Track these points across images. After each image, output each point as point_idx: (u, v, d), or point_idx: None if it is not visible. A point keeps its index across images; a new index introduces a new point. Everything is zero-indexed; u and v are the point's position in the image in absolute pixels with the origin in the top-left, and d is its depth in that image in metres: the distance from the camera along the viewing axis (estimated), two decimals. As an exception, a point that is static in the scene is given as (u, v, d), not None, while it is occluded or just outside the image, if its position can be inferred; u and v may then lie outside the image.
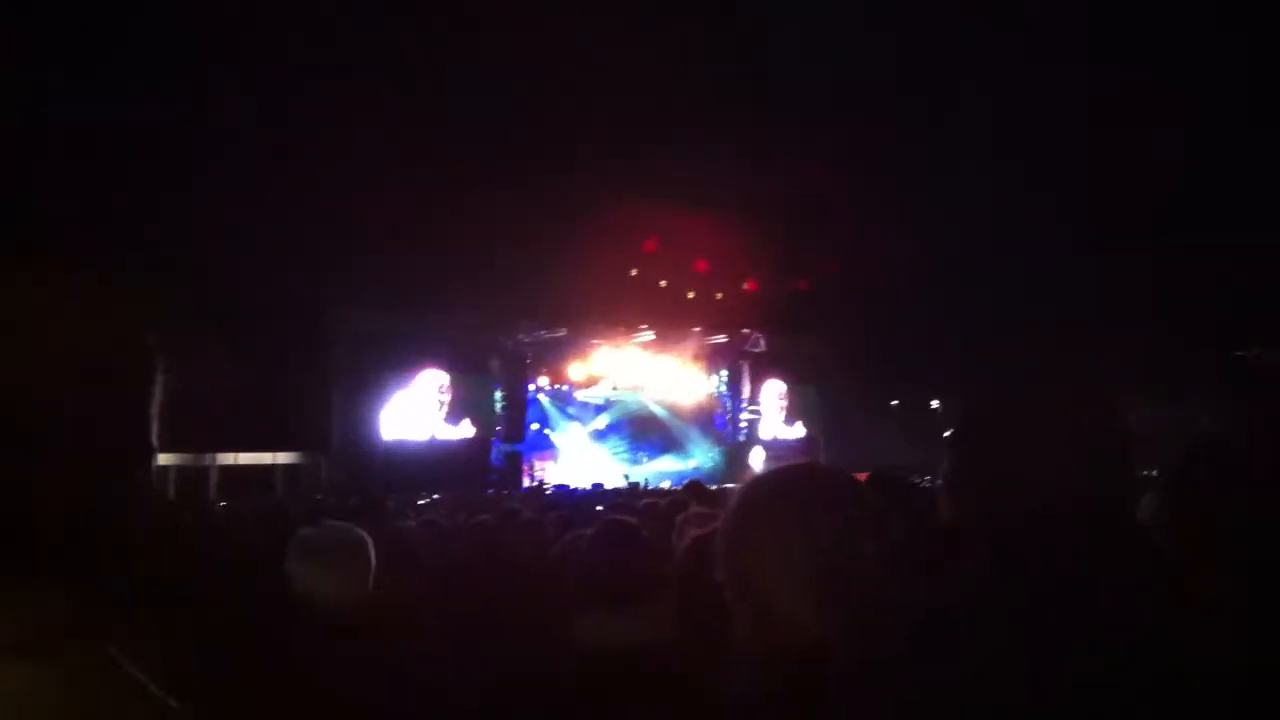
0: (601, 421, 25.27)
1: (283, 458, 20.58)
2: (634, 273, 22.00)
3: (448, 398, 22.86)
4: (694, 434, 25.80)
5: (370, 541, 2.68)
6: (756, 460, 24.14)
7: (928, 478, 9.72)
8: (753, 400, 26.31)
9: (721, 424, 26.05)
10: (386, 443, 21.76)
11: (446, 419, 22.71)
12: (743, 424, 26.00)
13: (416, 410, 22.44)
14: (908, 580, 1.32)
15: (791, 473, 1.47)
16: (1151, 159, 16.72)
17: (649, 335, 24.88)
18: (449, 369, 22.80)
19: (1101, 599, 1.18)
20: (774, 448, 25.25)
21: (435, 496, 11.13)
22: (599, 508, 6.58)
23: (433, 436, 22.38)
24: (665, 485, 19.48)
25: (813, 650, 1.25)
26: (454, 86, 16.87)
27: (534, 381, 24.28)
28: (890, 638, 1.20)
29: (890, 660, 1.17)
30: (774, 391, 26.75)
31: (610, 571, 1.82)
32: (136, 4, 13.68)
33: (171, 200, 14.81)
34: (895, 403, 22.61)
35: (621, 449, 25.13)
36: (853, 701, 1.16)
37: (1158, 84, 16.10)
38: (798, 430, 26.82)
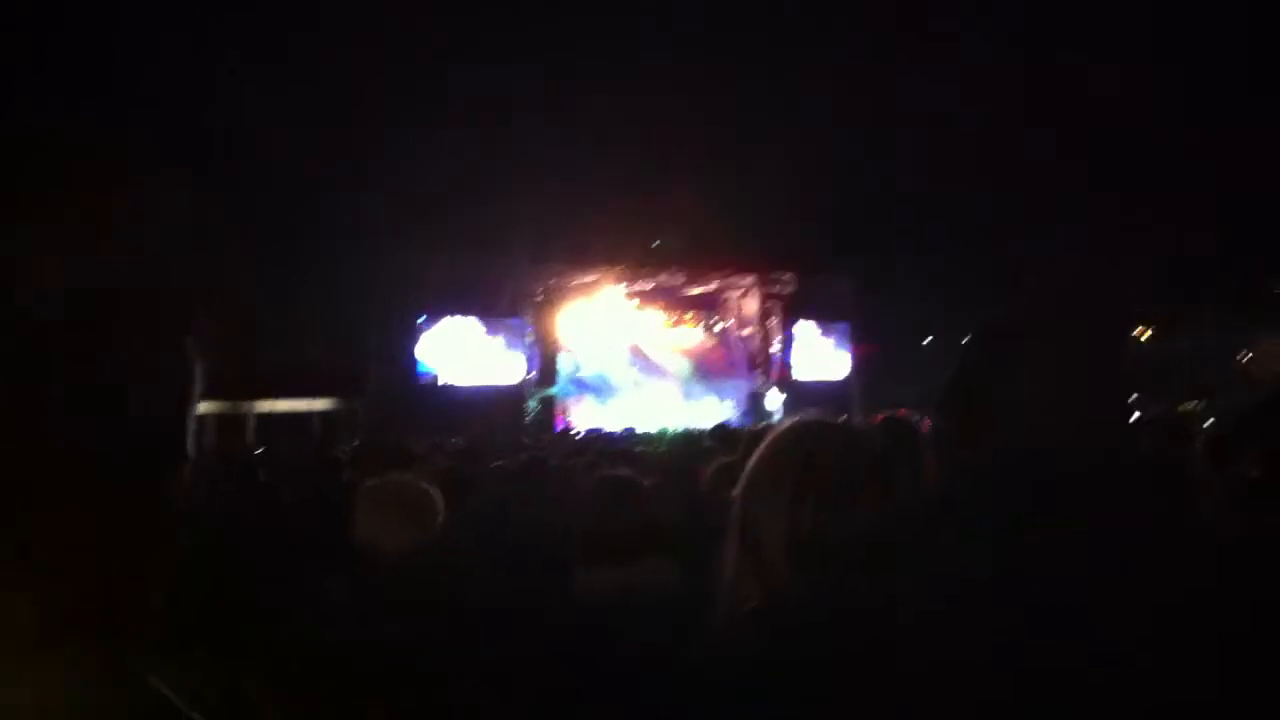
0: (633, 366, 25.33)
1: (319, 404, 20.88)
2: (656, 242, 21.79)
3: (480, 342, 23.06)
4: (726, 376, 25.82)
5: (435, 490, 2.81)
6: (775, 402, 24.16)
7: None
8: (784, 341, 26.18)
9: (753, 366, 25.99)
10: (420, 388, 22.01)
11: (479, 363, 22.91)
12: (774, 366, 25.91)
13: (449, 355, 22.65)
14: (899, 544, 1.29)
15: (789, 431, 1.50)
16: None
17: (679, 278, 24.80)
18: (480, 313, 22.93)
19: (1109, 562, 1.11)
20: (806, 389, 25.18)
21: (455, 440, 11.22)
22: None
23: (466, 381, 22.61)
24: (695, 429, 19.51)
25: (791, 603, 1.28)
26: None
27: (563, 326, 24.32)
28: (868, 600, 1.19)
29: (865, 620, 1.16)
30: (805, 332, 26.60)
31: (609, 526, 1.87)
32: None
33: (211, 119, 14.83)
34: (927, 340, 22.42)
35: (656, 392, 25.20)
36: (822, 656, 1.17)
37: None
38: (830, 371, 26.71)
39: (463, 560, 2.69)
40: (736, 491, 1.49)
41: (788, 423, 1.57)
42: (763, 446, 1.51)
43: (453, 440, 11.23)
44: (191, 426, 0.79)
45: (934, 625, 1.13)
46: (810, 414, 1.60)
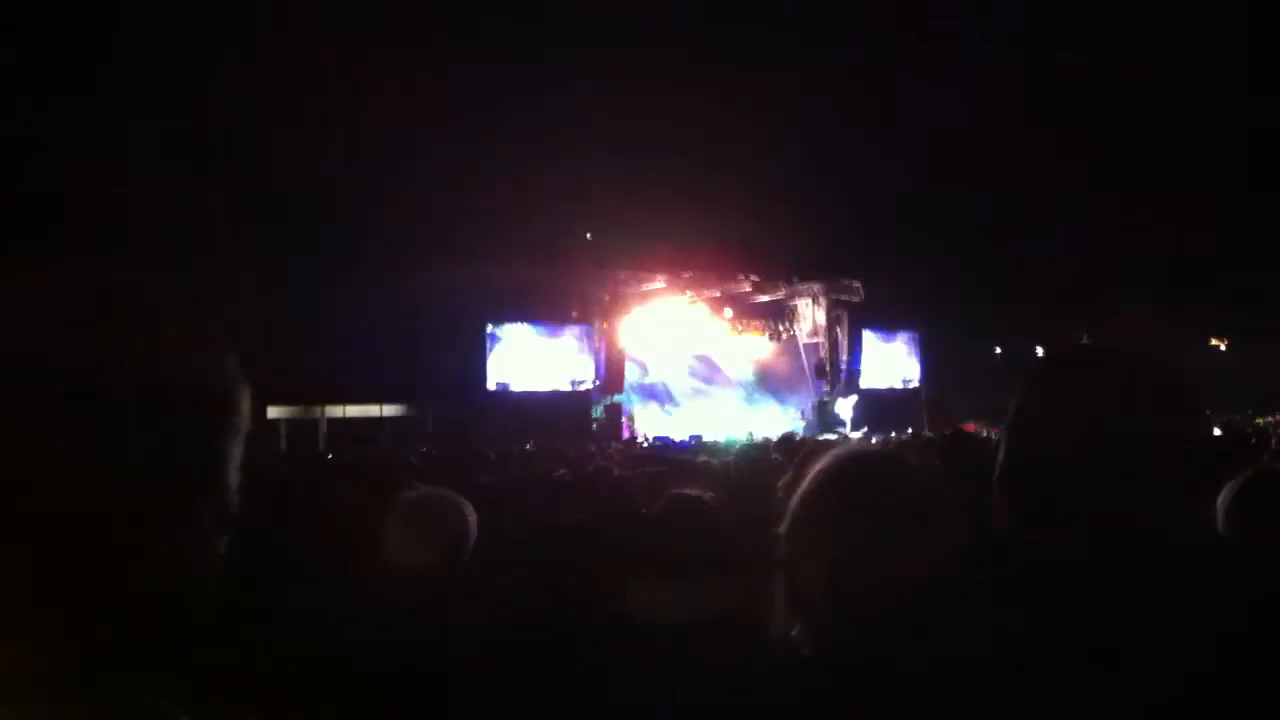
0: (698, 374, 25.26)
1: (389, 410, 21.21)
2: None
3: (546, 349, 23.21)
4: (793, 385, 25.61)
5: (468, 507, 2.70)
6: (845, 410, 23.88)
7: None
8: (852, 350, 25.90)
9: (820, 374, 25.72)
10: (488, 394, 22.23)
11: (545, 370, 23.05)
12: (841, 374, 25.62)
13: (516, 361, 22.83)
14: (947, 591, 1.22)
15: (832, 466, 1.44)
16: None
17: (746, 285, 24.68)
18: (546, 319, 23.09)
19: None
20: (874, 398, 24.87)
21: (528, 447, 11.31)
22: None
23: (533, 387, 22.76)
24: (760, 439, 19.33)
25: (832, 646, 1.23)
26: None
27: (629, 333, 24.34)
28: (914, 649, 1.12)
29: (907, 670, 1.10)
30: (872, 340, 26.30)
31: (674, 545, 1.84)
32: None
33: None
34: (998, 351, 22.00)
35: (723, 401, 25.09)
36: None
37: None
38: (899, 379, 26.38)
39: (500, 573, 2.65)
40: (780, 527, 1.45)
41: (832, 455, 1.51)
42: (806, 480, 1.46)
43: (527, 447, 11.34)
44: (233, 452, 0.73)
45: (936, 626, 1.11)
46: (857, 444, 1.55)
